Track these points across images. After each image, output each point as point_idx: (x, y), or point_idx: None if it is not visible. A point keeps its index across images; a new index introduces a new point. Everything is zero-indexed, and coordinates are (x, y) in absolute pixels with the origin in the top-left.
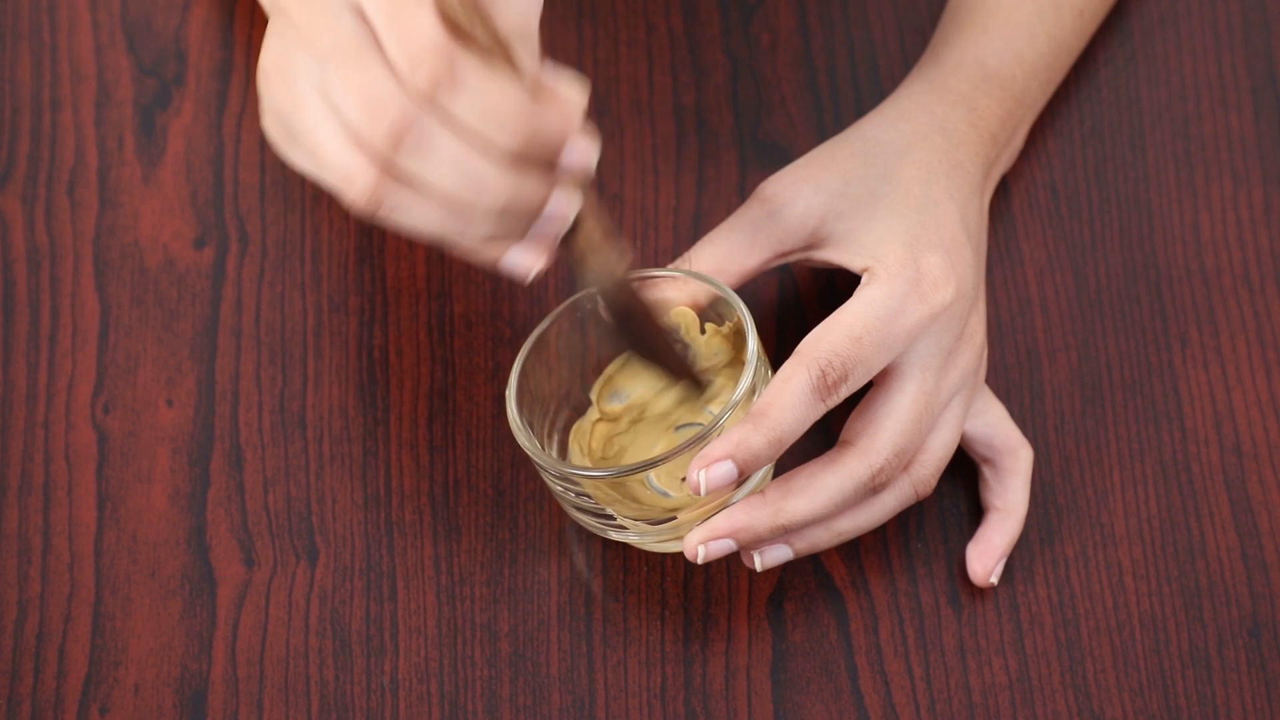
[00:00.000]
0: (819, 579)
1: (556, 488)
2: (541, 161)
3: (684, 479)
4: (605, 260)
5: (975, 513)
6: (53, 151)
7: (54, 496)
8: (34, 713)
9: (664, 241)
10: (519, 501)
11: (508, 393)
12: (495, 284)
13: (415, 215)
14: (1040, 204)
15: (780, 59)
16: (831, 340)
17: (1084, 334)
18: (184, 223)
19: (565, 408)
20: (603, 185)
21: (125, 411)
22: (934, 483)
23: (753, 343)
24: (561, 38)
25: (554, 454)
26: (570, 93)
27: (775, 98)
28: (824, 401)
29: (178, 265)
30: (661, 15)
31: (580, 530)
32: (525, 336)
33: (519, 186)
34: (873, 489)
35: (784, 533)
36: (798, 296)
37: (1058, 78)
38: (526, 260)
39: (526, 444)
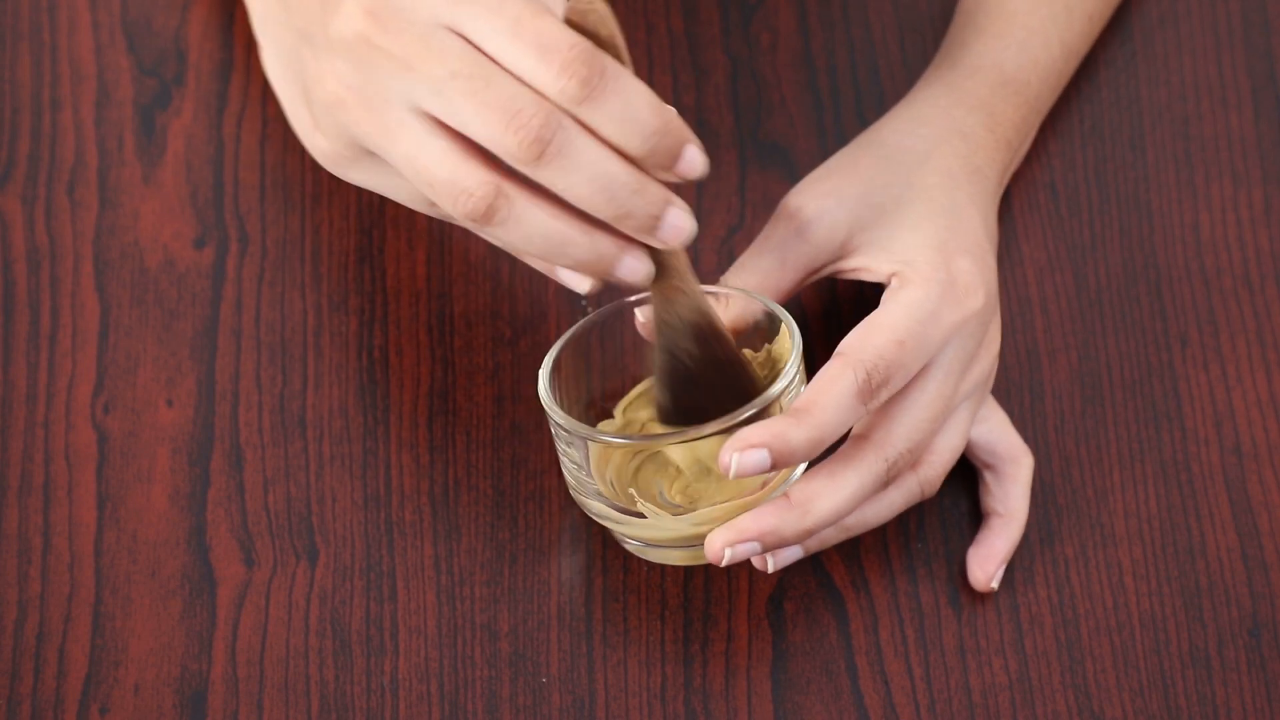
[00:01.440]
0: (819, 579)
1: (573, 468)
2: (664, 166)
3: (691, 499)
4: (693, 291)
5: (976, 514)
6: (53, 151)
7: (54, 496)
8: (34, 713)
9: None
10: (519, 501)
11: (542, 373)
12: (495, 284)
13: (526, 228)
14: (1040, 204)
15: (780, 59)
16: (877, 343)
17: (1084, 334)
18: (184, 223)
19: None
20: None
21: (125, 411)
22: (939, 483)
23: (796, 353)
24: None
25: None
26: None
27: (775, 98)
28: (865, 405)
29: (178, 265)
30: (661, 15)
31: (580, 530)
32: (525, 337)
33: (643, 189)
34: (885, 483)
35: (809, 535)
36: (798, 299)
37: (1065, 82)
38: (632, 264)
39: (551, 406)
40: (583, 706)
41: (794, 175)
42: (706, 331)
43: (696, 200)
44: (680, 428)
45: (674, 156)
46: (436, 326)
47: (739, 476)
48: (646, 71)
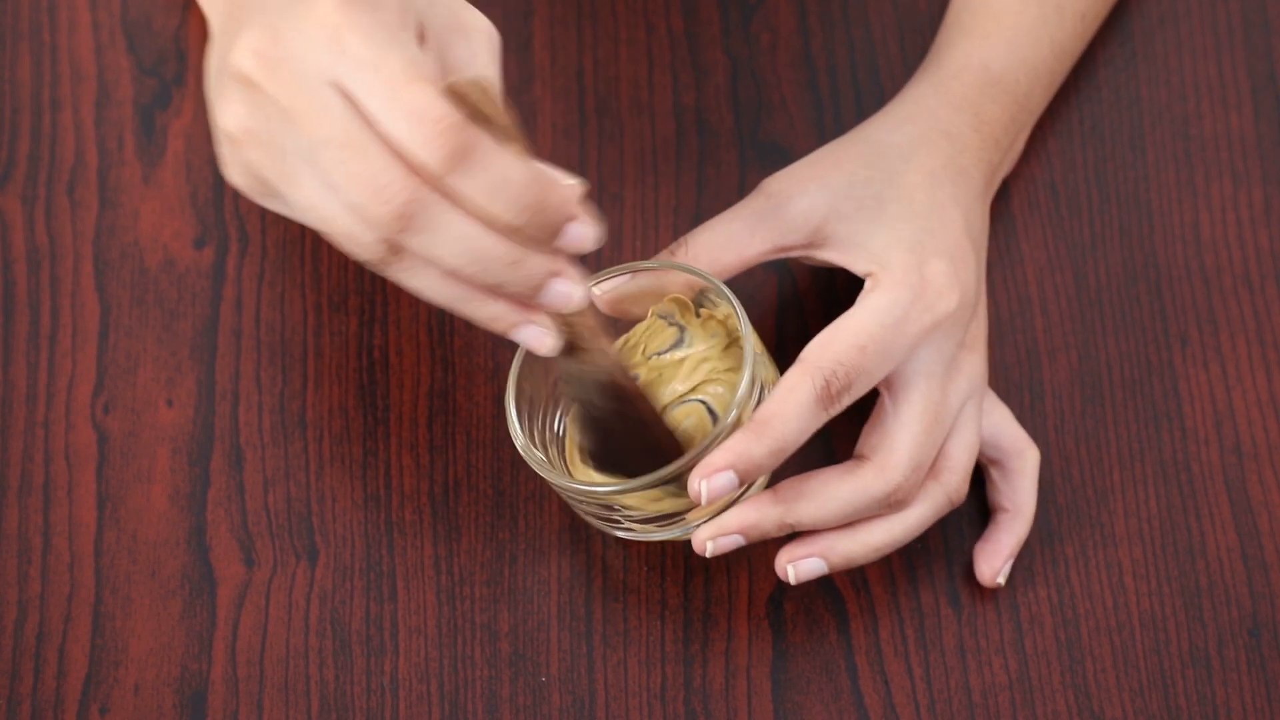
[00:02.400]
0: (819, 579)
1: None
2: (543, 239)
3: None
4: (600, 352)
5: (975, 513)
6: (53, 151)
7: (54, 496)
8: (34, 713)
9: (664, 241)
10: (519, 501)
11: (507, 399)
12: None
13: (420, 281)
14: (1040, 204)
15: (780, 59)
16: (837, 350)
17: (1084, 334)
18: (184, 223)
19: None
20: (603, 185)
21: (125, 411)
22: (965, 488)
23: (749, 340)
24: (561, 38)
25: (557, 421)
26: (569, 183)
27: (775, 98)
28: (826, 411)
29: (178, 265)
30: (661, 15)
31: (580, 530)
32: None
33: (520, 262)
34: (890, 505)
35: (789, 530)
36: (796, 295)
37: (1059, 81)
38: (536, 335)
39: (543, 469)
40: (583, 706)
41: None
42: (616, 392)
43: (696, 200)
44: (612, 476)
45: (553, 231)
46: (436, 327)
47: (711, 501)
48: (646, 71)
